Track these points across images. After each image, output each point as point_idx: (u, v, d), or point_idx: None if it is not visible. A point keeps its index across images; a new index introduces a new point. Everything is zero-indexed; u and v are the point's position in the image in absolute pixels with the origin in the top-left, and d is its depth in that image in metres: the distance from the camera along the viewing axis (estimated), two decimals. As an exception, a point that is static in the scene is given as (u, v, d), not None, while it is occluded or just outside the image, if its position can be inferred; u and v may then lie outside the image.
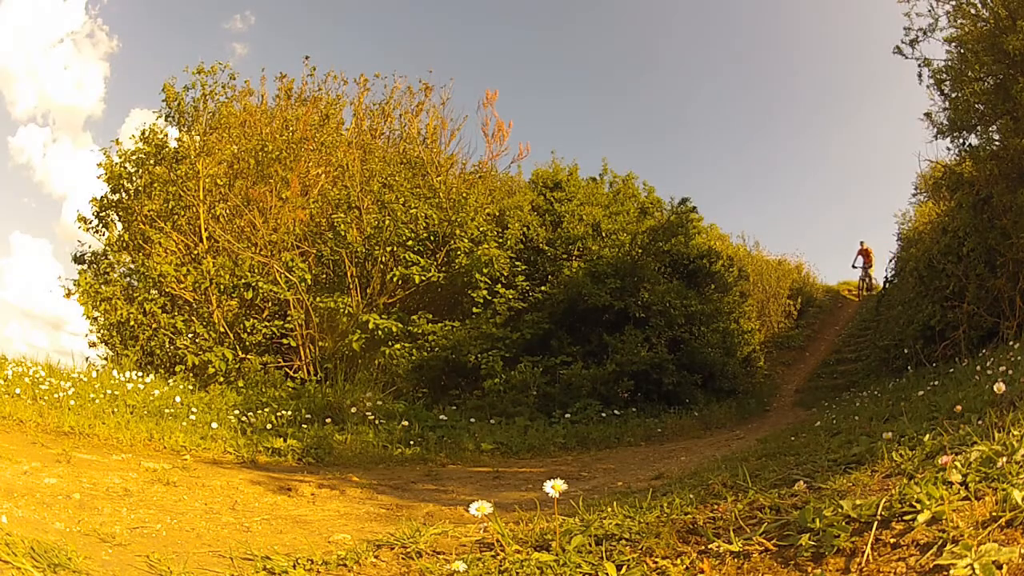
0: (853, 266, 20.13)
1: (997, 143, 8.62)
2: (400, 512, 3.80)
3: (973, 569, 1.36)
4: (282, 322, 10.26)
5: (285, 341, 10.33)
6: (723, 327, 12.19)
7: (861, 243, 19.34)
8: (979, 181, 8.72)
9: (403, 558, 2.34)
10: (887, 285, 14.49)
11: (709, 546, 1.89)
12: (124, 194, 11.41)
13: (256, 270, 10.40)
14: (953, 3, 8.82)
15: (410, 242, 10.82)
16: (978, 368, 5.71)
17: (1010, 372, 4.60)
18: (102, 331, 10.15)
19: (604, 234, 12.28)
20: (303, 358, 10.21)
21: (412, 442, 7.09)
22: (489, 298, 10.79)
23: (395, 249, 10.76)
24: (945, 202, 10.62)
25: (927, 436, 2.59)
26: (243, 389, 8.91)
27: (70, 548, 2.21)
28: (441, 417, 8.40)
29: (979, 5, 8.66)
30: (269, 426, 7.23)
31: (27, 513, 2.82)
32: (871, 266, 19.33)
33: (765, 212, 31.52)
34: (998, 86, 8.35)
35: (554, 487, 2.12)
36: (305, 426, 7.32)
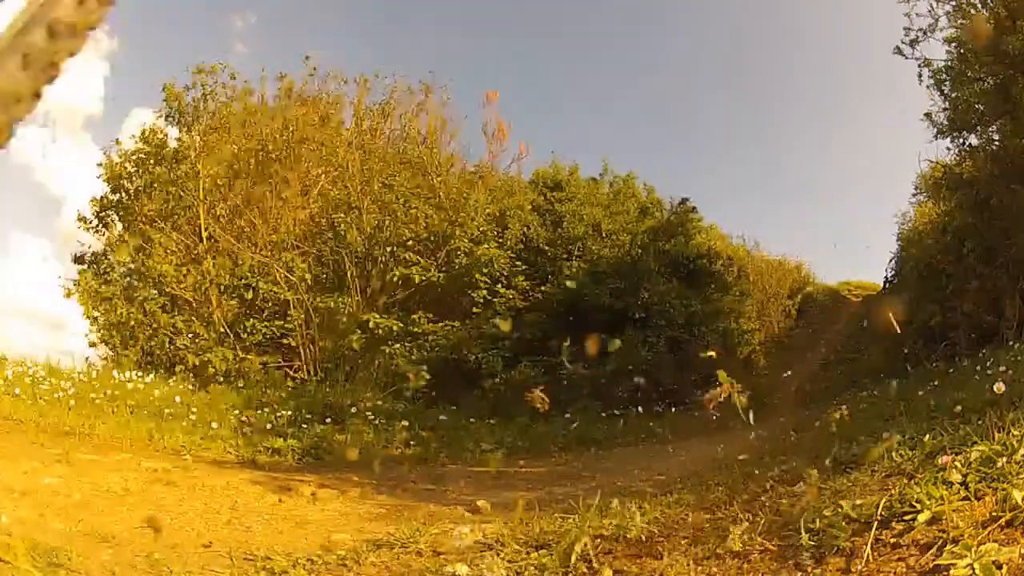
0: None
1: (997, 143, 8.63)
2: (400, 512, 3.79)
3: (973, 569, 1.36)
4: (282, 322, 10.25)
5: (285, 341, 10.33)
6: (723, 327, 12.19)
7: None
8: (979, 181, 8.72)
9: (403, 558, 2.34)
10: (887, 285, 14.50)
11: (709, 546, 1.89)
12: (124, 194, 11.40)
13: (256, 270, 10.40)
14: (953, 3, 8.82)
15: (410, 242, 10.82)
16: (978, 368, 5.71)
17: (1010, 372, 4.60)
18: (102, 331, 10.14)
19: (604, 234, 12.29)
20: (303, 358, 10.21)
21: (412, 442, 7.08)
22: (489, 298, 10.79)
23: (395, 249, 10.76)
24: (945, 202, 10.62)
25: (927, 436, 2.59)
26: (243, 389, 8.91)
27: (70, 548, 2.21)
28: (441, 417, 8.40)
29: (979, 5, 8.66)
30: (269, 426, 7.22)
31: (27, 513, 2.82)
32: None
33: (765, 212, 31.41)
34: (998, 86, 8.35)
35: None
36: (305, 426, 7.32)
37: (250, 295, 10.20)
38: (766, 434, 7.10)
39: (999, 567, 1.35)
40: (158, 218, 10.74)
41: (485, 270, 10.70)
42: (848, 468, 2.69)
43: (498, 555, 2.11)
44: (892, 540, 1.61)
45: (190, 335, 9.88)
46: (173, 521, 3.12)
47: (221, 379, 9.35)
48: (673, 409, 9.92)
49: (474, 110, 18.80)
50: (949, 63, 9.01)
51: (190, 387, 8.72)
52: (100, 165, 11.35)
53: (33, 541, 2.16)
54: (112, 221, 11.42)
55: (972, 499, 1.68)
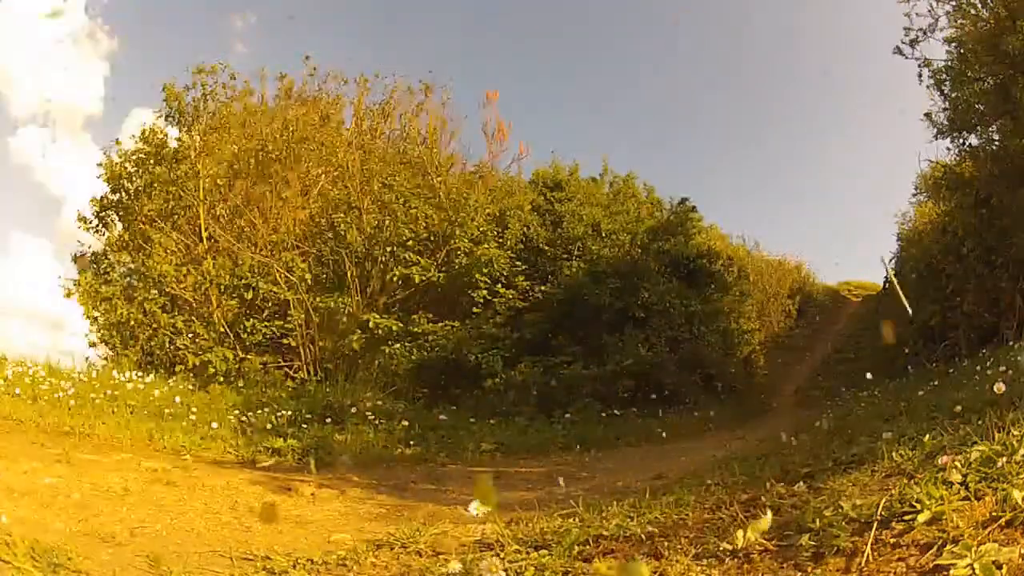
0: None
1: (997, 143, 8.63)
2: (400, 512, 3.80)
3: (973, 569, 1.36)
4: (282, 322, 10.25)
5: (285, 341, 10.32)
6: (723, 327, 12.20)
7: None
8: (979, 181, 8.73)
9: (403, 558, 2.35)
10: (887, 285, 14.50)
11: (709, 546, 1.89)
12: (124, 194, 11.40)
13: (256, 270, 10.40)
14: (953, 3, 8.82)
15: (410, 242, 10.82)
16: (978, 368, 5.70)
17: (1010, 372, 4.59)
18: (102, 331, 10.14)
19: (604, 234, 12.29)
20: (303, 358, 10.21)
21: (412, 442, 7.08)
22: (489, 298, 10.80)
23: (395, 249, 10.77)
24: (945, 202, 10.62)
25: (927, 436, 2.59)
26: (243, 389, 8.91)
27: (70, 548, 2.21)
28: (441, 417, 8.40)
29: (979, 5, 8.67)
30: (269, 426, 7.22)
31: (27, 513, 2.83)
32: None
33: (765, 212, 31.43)
34: (998, 86, 8.36)
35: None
36: (305, 426, 7.31)
37: (250, 295, 10.20)
38: (766, 434, 7.11)
39: (999, 567, 1.35)
40: (158, 218, 10.74)
41: (485, 270, 10.71)
42: (848, 468, 2.69)
43: (498, 555, 2.11)
44: (892, 540, 1.60)
45: (190, 335, 9.88)
46: (173, 521, 3.12)
47: (221, 379, 9.35)
48: (673, 409, 9.92)
49: (474, 110, 18.74)
50: (949, 63, 9.02)
51: (190, 387, 8.71)
52: (100, 165, 11.36)
53: (33, 541, 2.16)
54: (112, 221, 11.43)
55: (972, 499, 1.68)
